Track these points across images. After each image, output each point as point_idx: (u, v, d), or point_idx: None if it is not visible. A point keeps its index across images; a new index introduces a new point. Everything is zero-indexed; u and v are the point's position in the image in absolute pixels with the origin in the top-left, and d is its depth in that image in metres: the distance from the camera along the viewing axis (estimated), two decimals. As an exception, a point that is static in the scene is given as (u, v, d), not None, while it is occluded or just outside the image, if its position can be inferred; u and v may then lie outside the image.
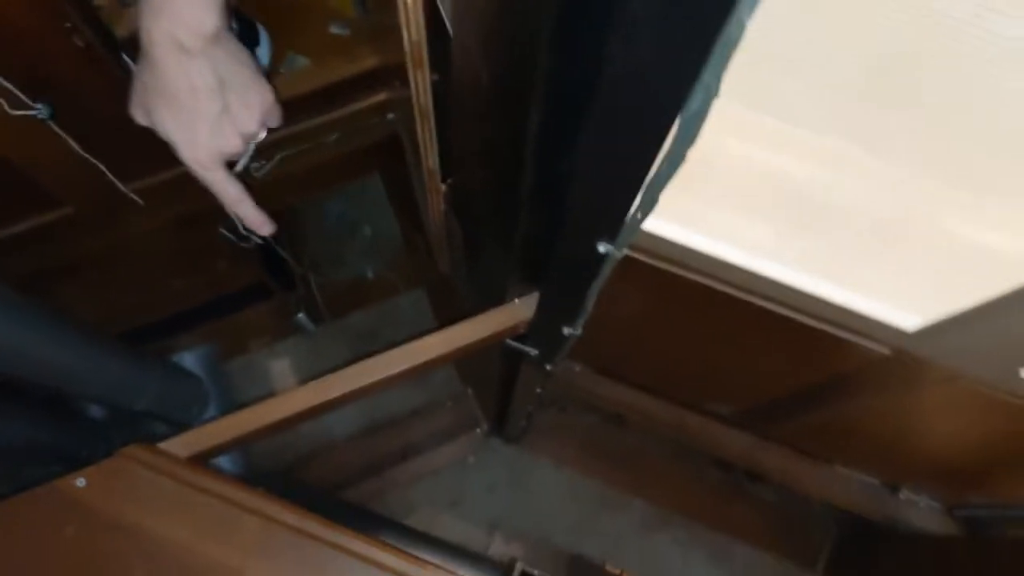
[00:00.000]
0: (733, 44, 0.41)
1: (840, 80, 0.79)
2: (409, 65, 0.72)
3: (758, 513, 2.29)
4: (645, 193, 0.60)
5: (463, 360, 2.22)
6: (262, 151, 1.46)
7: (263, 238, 1.88)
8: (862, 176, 0.91)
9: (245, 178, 1.44)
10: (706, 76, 0.44)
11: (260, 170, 1.51)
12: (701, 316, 1.36)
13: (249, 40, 1.31)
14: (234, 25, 1.28)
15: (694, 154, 0.94)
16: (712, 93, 0.46)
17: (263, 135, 1.00)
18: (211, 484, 0.97)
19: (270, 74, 1.39)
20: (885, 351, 1.19)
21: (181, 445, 1.01)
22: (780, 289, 1.14)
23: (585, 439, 2.37)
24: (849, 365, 1.29)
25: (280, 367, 2.33)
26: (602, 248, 0.72)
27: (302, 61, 1.41)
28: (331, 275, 2.38)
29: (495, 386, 1.80)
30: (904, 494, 1.83)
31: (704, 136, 0.86)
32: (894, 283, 1.08)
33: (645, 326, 1.55)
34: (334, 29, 1.44)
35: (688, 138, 0.51)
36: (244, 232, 1.64)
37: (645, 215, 0.64)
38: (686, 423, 1.91)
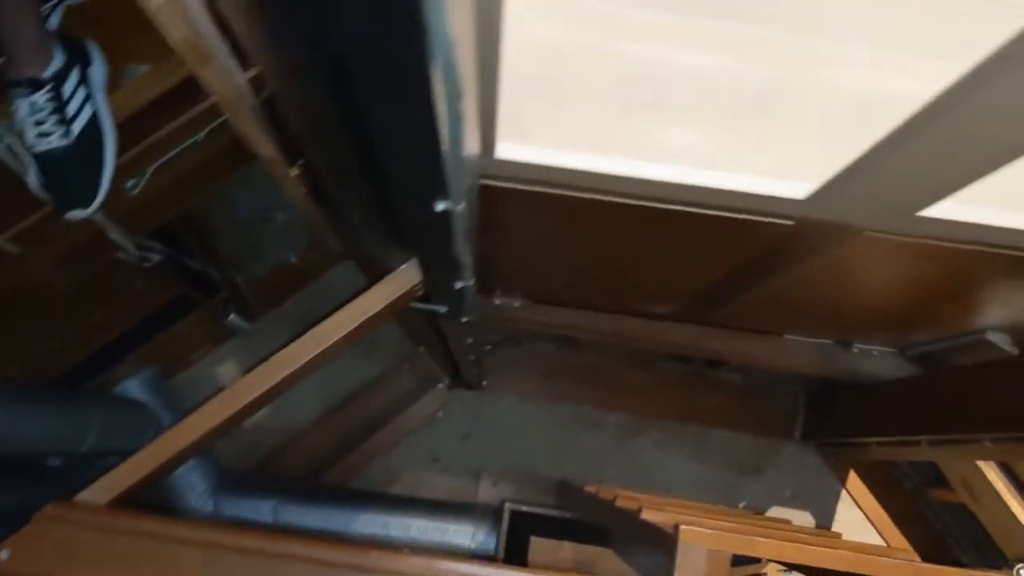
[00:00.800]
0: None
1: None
2: (192, 65, 0.67)
3: (726, 397, 2.31)
4: (450, 147, 0.57)
5: (404, 322, 2.20)
6: (126, 168, 1.41)
7: (168, 251, 1.84)
8: (712, 47, 0.88)
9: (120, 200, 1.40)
10: (432, 23, 0.41)
11: (134, 188, 1.45)
12: (610, 229, 1.34)
13: (81, 60, 1.25)
14: (60, 50, 1.22)
15: (550, 67, 0.90)
16: (449, 38, 0.42)
17: None
18: (138, 525, 0.95)
19: (112, 89, 1.33)
20: (788, 222, 1.18)
21: (99, 492, 0.98)
22: (669, 188, 1.12)
23: (545, 367, 2.37)
24: (760, 243, 1.28)
25: (224, 371, 2.29)
26: (440, 206, 0.69)
27: (142, 69, 1.35)
28: (255, 269, 2.33)
29: (435, 342, 1.78)
30: (857, 347, 1.85)
31: (553, 45, 0.82)
32: (775, 155, 1.06)
33: (564, 249, 1.53)
34: (168, 28, 1.37)
35: (453, 84, 0.48)
36: (139, 253, 1.60)
37: (460, 169, 0.61)
38: (632, 329, 1.91)
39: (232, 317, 2.26)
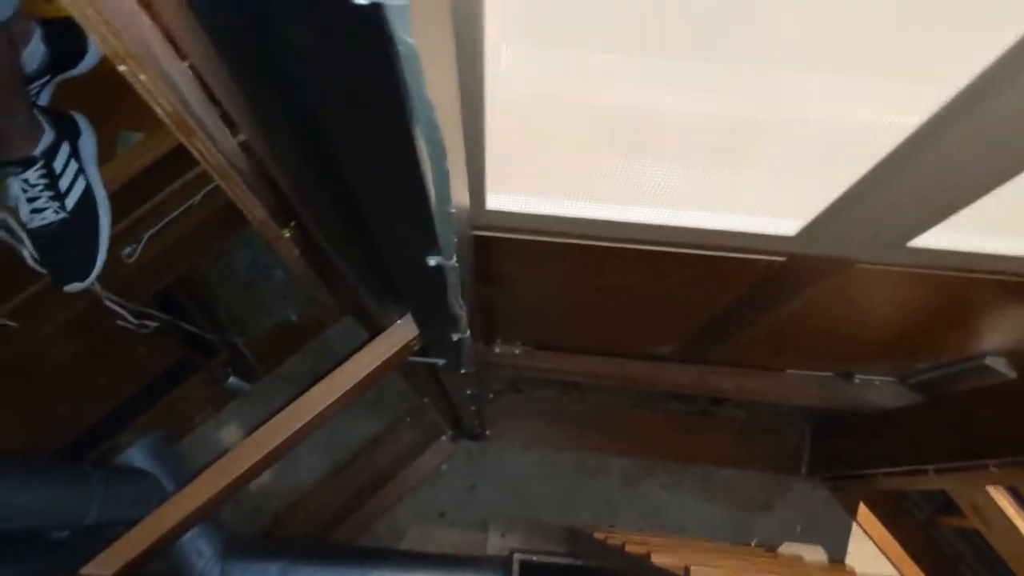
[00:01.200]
0: (416, 59, 0.39)
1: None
2: (180, 137, 0.69)
3: (731, 435, 2.30)
4: (437, 203, 0.58)
5: (405, 375, 2.19)
6: (122, 236, 1.42)
7: (166, 317, 1.84)
8: (691, 88, 0.88)
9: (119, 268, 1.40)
10: (413, 89, 0.42)
11: (131, 256, 1.46)
12: (605, 273, 1.34)
13: (70, 133, 1.26)
14: (49, 126, 1.24)
15: (532, 118, 0.91)
16: (429, 102, 0.43)
17: None
18: (142, 596, 0.94)
19: (104, 158, 1.35)
20: (779, 259, 1.18)
21: (101, 566, 0.97)
22: (660, 231, 1.13)
23: (548, 414, 2.36)
24: (754, 280, 1.29)
25: (227, 434, 2.28)
26: (432, 261, 0.69)
27: (135, 137, 1.37)
28: (255, 329, 2.33)
29: (437, 394, 1.78)
30: (858, 378, 1.84)
31: (534, 96, 0.83)
32: (763, 193, 1.07)
33: (561, 295, 1.53)
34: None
35: (435, 144, 0.49)
36: (136, 320, 1.60)
37: (449, 224, 0.62)
38: (633, 371, 1.90)
39: (232, 379, 2.26)
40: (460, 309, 0.87)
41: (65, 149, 1.24)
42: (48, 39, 1.28)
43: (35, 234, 1.26)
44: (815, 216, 1.05)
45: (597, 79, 0.88)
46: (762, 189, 1.05)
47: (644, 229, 1.14)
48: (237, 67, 0.55)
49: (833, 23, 0.72)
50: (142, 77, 0.59)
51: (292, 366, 2.39)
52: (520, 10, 0.72)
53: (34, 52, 1.26)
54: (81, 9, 0.56)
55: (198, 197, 1.49)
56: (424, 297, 0.81)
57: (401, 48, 0.36)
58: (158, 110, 0.64)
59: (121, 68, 0.59)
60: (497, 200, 1.04)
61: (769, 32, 0.75)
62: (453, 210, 0.60)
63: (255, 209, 0.84)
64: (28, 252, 1.28)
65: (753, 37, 0.77)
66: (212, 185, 1.46)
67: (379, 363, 0.99)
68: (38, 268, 1.28)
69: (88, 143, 1.29)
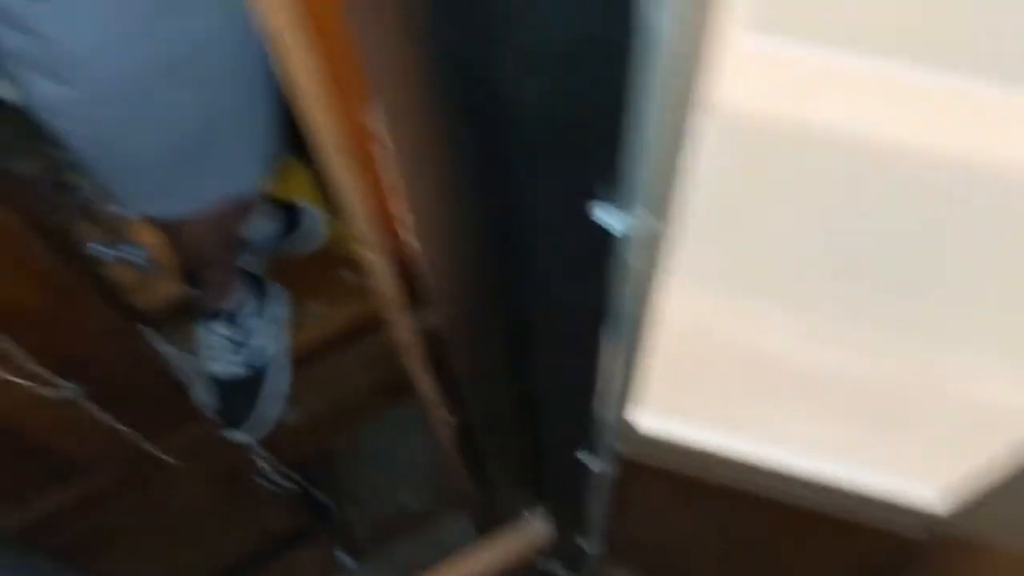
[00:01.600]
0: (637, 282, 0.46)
1: (806, 255, 0.82)
2: (391, 315, 0.78)
3: None
4: (607, 403, 0.63)
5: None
6: (291, 398, 1.52)
7: (304, 483, 1.91)
8: (853, 350, 0.92)
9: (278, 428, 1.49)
10: (627, 304, 0.48)
11: (293, 416, 1.54)
12: (731, 515, 1.33)
13: (262, 296, 1.39)
14: (245, 285, 1.38)
15: (693, 351, 0.96)
16: (634, 320, 0.50)
17: None
18: None
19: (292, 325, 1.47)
20: (920, 534, 1.16)
21: None
22: (797, 484, 1.13)
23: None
24: (888, 550, 1.25)
25: (326, 610, 2.27)
26: (589, 463, 0.74)
27: (320, 308, 1.49)
28: (370, 508, 2.37)
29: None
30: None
31: (699, 330, 0.89)
32: (915, 465, 1.06)
33: (684, 531, 1.51)
34: (345, 275, 1.51)
35: (627, 355, 0.55)
36: (277, 479, 1.68)
37: (611, 428, 0.66)
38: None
39: (339, 554, 2.28)
40: (599, 518, 0.90)
41: (256, 310, 1.37)
42: (276, 218, 1.45)
43: (214, 381, 1.37)
44: (970, 496, 1.04)
45: (756, 326, 0.94)
46: (917, 462, 1.04)
47: (784, 479, 1.14)
48: (462, 265, 0.64)
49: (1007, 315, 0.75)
50: (375, 260, 0.69)
51: (398, 551, 2.39)
52: (697, 254, 0.80)
53: (261, 226, 1.42)
54: (347, 206, 0.66)
55: (360, 373, 1.59)
56: (566, 494, 0.85)
57: (625, 269, 0.43)
58: (380, 290, 0.74)
59: (360, 250, 0.69)
60: (644, 419, 1.08)
61: (942, 306, 0.79)
62: (617, 416, 0.65)
63: (429, 389, 0.91)
64: (202, 396, 1.39)
65: (920, 310, 0.80)
66: (373, 363, 1.56)
67: (507, 557, 1.01)
68: (207, 413, 1.38)
69: (277, 308, 1.42)
